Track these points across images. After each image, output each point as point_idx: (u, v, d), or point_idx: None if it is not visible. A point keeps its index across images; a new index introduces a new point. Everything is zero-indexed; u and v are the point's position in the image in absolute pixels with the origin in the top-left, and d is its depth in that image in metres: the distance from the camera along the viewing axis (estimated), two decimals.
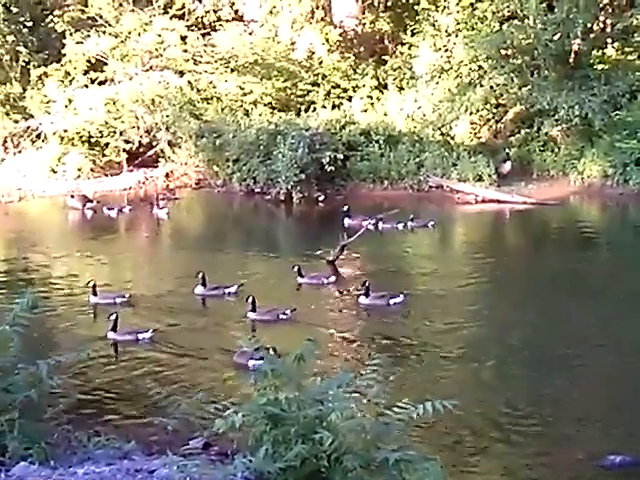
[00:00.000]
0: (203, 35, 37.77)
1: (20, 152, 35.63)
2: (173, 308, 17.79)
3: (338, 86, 37.38)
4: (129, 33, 36.12)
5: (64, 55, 35.85)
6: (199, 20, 38.44)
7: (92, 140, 35.21)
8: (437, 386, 13.02)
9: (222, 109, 35.28)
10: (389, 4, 39.23)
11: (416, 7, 36.12)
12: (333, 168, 30.43)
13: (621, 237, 25.46)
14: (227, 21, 38.74)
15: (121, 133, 34.92)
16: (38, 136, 35.44)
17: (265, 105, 36.18)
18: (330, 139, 30.99)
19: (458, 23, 34.03)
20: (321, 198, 30.18)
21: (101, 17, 36.31)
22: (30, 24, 36.68)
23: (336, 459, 6.90)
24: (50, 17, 36.95)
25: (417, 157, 31.43)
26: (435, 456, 7.57)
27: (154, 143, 35.31)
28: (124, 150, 35.13)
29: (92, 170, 35.05)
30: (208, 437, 9.88)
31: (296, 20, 38.08)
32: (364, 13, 39.61)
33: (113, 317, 15.65)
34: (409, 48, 36.26)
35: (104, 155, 35.53)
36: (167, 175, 34.69)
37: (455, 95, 32.34)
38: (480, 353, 14.46)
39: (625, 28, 32.37)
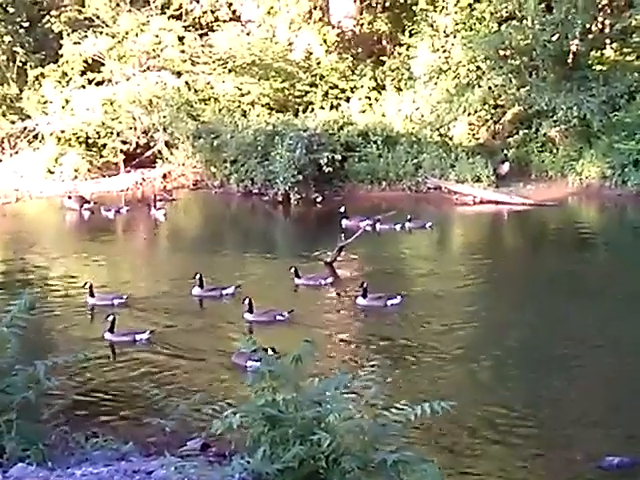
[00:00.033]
0: (200, 36, 37.80)
1: (17, 153, 35.63)
2: (170, 309, 17.75)
3: (336, 87, 37.40)
4: (126, 33, 36.13)
5: (61, 56, 35.86)
6: (196, 20, 38.48)
7: (89, 141, 35.24)
8: (435, 387, 13.01)
9: (220, 110, 35.30)
10: (387, 5, 39.24)
11: (414, 8, 36.12)
12: (331, 169, 30.44)
13: (619, 238, 25.47)
14: (224, 21, 38.76)
15: (118, 134, 34.93)
16: (35, 137, 35.46)
17: (263, 106, 36.19)
18: (328, 140, 31.00)
19: (456, 24, 34.06)
20: (319, 199, 30.19)
21: (98, 17, 36.33)
22: (27, 24, 36.67)
23: (334, 460, 6.89)
24: (47, 17, 37.02)
25: (415, 158, 31.46)
26: (432, 457, 7.57)
27: (151, 144, 35.33)
28: (121, 151, 35.12)
29: (89, 171, 35.08)
30: (206, 438, 9.88)
31: (294, 20, 38.12)
32: (362, 14, 39.62)
33: (110, 318, 15.63)
34: (407, 49, 36.28)
35: (101, 156, 35.56)
36: (164, 176, 34.69)
37: (453, 96, 32.37)
38: (478, 354, 14.44)
39: (624, 29, 32.42)
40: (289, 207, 29.95)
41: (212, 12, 38.61)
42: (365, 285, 17.49)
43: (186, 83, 36.02)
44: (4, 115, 35.78)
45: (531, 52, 31.54)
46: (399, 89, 36.31)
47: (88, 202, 30.46)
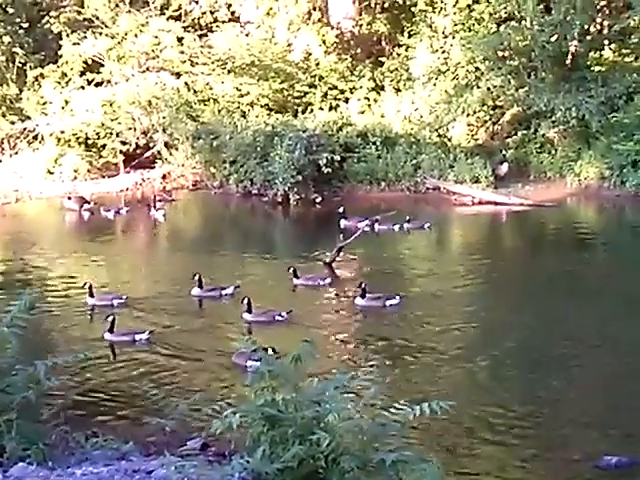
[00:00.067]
0: (200, 36, 37.78)
1: (17, 153, 35.60)
2: (169, 309, 17.76)
3: (335, 88, 37.40)
4: (125, 34, 36.11)
5: (60, 56, 35.84)
6: (196, 21, 38.48)
7: (89, 141, 35.22)
8: (433, 387, 13.03)
9: (219, 110, 35.30)
10: (386, 5, 39.25)
11: (413, 9, 36.15)
12: (330, 170, 30.44)
13: (618, 238, 25.50)
14: (224, 22, 38.77)
15: (118, 134, 34.92)
16: (35, 137, 35.43)
17: (262, 107, 36.18)
18: (327, 141, 31.01)
19: (455, 25, 34.09)
20: (318, 200, 30.20)
21: (97, 18, 36.31)
22: (26, 25, 36.67)
23: (333, 460, 6.92)
24: (46, 18, 37.02)
25: (414, 159, 31.48)
26: (431, 457, 7.58)
27: (151, 145, 35.32)
28: (121, 152, 35.10)
29: (89, 171, 35.07)
30: (206, 438, 9.89)
31: (293, 21, 38.13)
32: (361, 14, 39.62)
33: (110, 318, 15.65)
34: (406, 50, 36.30)
35: (101, 156, 35.55)
36: (164, 177, 34.69)
37: (452, 97, 32.40)
38: (477, 354, 14.45)
39: (622, 30, 32.42)
40: (288, 207, 29.97)
41: (211, 13, 38.63)
42: (364, 285, 17.50)
43: (185, 84, 36.01)
44: (4, 116, 35.75)
45: (530, 53, 31.57)
46: (398, 90, 36.33)
47: (88, 203, 30.45)
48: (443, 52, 34.16)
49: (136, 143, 35.03)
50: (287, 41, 38.02)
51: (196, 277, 18.37)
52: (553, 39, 31.05)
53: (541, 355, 14.43)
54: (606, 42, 33.80)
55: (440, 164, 31.11)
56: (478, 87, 31.92)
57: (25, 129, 35.46)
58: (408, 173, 31.23)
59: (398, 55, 37.04)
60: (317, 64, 37.76)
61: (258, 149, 31.12)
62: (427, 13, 35.16)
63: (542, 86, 31.21)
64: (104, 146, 35.26)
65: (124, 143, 34.95)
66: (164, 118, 34.40)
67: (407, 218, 25.16)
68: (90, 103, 34.53)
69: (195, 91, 36.28)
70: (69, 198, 30.83)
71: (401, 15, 38.24)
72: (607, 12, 33.84)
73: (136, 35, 36.13)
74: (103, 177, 35.02)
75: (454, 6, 34.18)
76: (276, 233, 29.39)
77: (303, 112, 35.57)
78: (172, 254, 24.83)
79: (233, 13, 39.21)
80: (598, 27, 33.79)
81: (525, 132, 32.62)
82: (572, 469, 10.46)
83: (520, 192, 29.74)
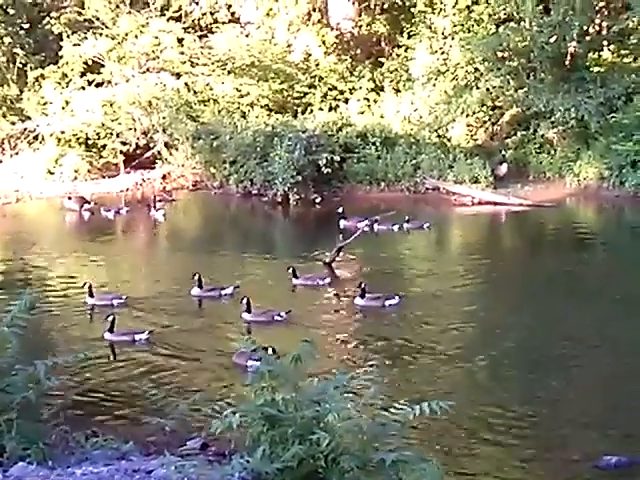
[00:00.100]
0: (200, 37, 37.81)
1: (17, 154, 35.64)
2: (169, 309, 17.78)
3: (335, 88, 37.44)
4: (126, 35, 36.13)
5: (61, 57, 35.86)
6: (196, 22, 38.49)
7: (89, 142, 35.24)
8: (433, 387, 13.04)
9: (219, 111, 35.32)
10: (385, 6, 39.28)
11: (412, 9, 36.17)
12: (330, 170, 30.46)
13: (617, 239, 25.52)
14: (224, 23, 38.79)
15: (118, 135, 34.94)
16: (35, 138, 35.47)
17: (262, 107, 36.20)
18: (327, 141, 31.04)
19: (454, 25, 34.11)
20: (318, 200, 30.22)
21: (98, 19, 36.33)
22: (27, 26, 36.71)
23: (333, 460, 6.93)
24: (47, 19, 37.05)
25: (413, 159, 31.51)
26: (430, 457, 7.60)
27: (151, 145, 35.34)
28: (121, 152, 35.12)
29: (89, 172, 35.09)
30: (206, 437, 9.90)
31: (293, 22, 38.16)
32: (360, 15, 39.66)
33: (110, 318, 15.67)
34: (405, 50, 36.34)
35: (101, 157, 35.57)
36: (164, 177, 34.71)
37: (451, 97, 32.43)
38: (476, 354, 14.47)
39: (621, 31, 32.48)
40: (288, 208, 29.99)
41: (211, 14, 38.64)
42: (363, 285, 17.52)
43: (185, 84, 36.02)
44: (4, 116, 35.78)
45: (529, 54, 31.60)
46: (397, 90, 36.37)
47: (88, 203, 30.47)
48: (442, 53, 34.19)
49: (136, 143, 35.06)
50: (287, 42, 38.06)
51: (196, 277, 18.39)
52: (552, 40, 31.08)
53: (540, 355, 14.45)
54: (605, 43, 33.83)
55: (439, 164, 31.13)
56: (477, 88, 31.95)
57: (26, 129, 35.49)
58: (408, 173, 31.25)
59: (398, 56, 37.08)
60: (317, 65, 37.80)
61: (258, 149, 31.14)
62: (426, 14, 35.19)
63: (541, 87, 31.24)
64: (104, 146, 35.28)
65: (124, 143, 34.97)
66: (164, 118, 34.42)
67: (406, 218, 25.17)
68: (90, 103, 34.54)
69: (195, 92, 36.30)
70: (69, 198, 30.85)
71: (400, 16, 38.26)
72: (606, 13, 33.89)
73: (136, 36, 36.14)
74: (103, 177, 35.04)
75: (453, 7, 34.21)
76: (276, 233, 29.40)
77: (303, 112, 35.60)
78: (172, 254, 24.84)
79: (233, 14, 39.23)
80: (597, 28, 33.86)
81: (524, 132, 32.65)
82: (571, 469, 10.48)
83: (519, 192, 29.77)
